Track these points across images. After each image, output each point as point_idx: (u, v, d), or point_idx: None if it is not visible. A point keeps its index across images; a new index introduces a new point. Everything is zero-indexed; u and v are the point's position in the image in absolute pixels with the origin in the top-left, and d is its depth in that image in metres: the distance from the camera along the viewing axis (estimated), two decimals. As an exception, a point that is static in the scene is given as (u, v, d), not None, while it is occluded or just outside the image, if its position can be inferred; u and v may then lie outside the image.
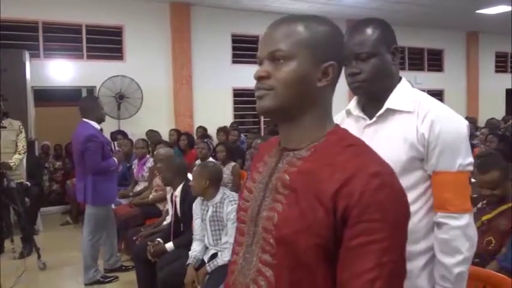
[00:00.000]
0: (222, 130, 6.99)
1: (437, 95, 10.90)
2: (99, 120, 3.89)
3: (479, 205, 2.38)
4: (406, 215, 0.83)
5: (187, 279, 2.77)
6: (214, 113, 8.23)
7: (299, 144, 0.91)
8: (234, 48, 8.66)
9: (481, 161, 2.48)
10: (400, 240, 0.80)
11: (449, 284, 1.24)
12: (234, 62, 8.64)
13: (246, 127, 8.81)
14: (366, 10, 8.53)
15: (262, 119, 9.14)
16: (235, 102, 8.76)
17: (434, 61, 11.22)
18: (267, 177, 0.93)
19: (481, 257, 2.17)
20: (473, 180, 3.68)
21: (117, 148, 4.44)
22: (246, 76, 8.79)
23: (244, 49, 8.73)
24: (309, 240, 0.80)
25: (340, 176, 0.80)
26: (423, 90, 1.39)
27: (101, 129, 3.93)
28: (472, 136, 6.32)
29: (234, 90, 8.65)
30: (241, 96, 8.69)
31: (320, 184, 0.82)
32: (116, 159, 3.94)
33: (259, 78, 0.90)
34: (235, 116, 8.75)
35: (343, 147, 0.86)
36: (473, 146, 5.58)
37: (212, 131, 7.32)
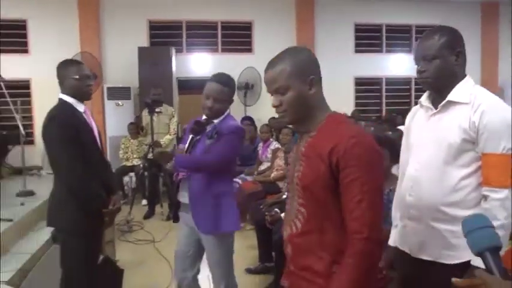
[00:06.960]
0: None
1: None
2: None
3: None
4: (376, 160, 1.28)
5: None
6: (336, 101, 8.36)
7: (310, 128, 1.38)
8: (356, 38, 8.76)
9: None
10: (373, 176, 1.25)
11: None
12: (356, 51, 8.75)
13: (367, 115, 8.89)
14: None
15: (383, 107, 9.11)
16: (356, 91, 8.90)
17: None
18: (296, 152, 1.42)
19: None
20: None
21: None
22: (368, 65, 8.88)
23: (367, 38, 8.78)
24: (319, 185, 1.28)
25: (332, 142, 1.27)
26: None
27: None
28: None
29: (356, 79, 8.79)
30: (362, 85, 8.77)
31: (321, 149, 1.29)
32: None
33: (275, 107, 1.38)
34: (357, 105, 8.87)
35: (337, 124, 1.34)
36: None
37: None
